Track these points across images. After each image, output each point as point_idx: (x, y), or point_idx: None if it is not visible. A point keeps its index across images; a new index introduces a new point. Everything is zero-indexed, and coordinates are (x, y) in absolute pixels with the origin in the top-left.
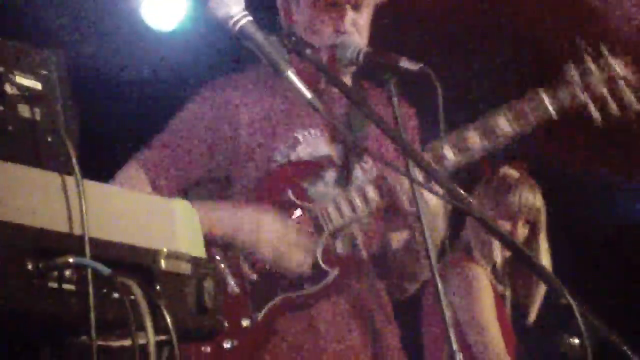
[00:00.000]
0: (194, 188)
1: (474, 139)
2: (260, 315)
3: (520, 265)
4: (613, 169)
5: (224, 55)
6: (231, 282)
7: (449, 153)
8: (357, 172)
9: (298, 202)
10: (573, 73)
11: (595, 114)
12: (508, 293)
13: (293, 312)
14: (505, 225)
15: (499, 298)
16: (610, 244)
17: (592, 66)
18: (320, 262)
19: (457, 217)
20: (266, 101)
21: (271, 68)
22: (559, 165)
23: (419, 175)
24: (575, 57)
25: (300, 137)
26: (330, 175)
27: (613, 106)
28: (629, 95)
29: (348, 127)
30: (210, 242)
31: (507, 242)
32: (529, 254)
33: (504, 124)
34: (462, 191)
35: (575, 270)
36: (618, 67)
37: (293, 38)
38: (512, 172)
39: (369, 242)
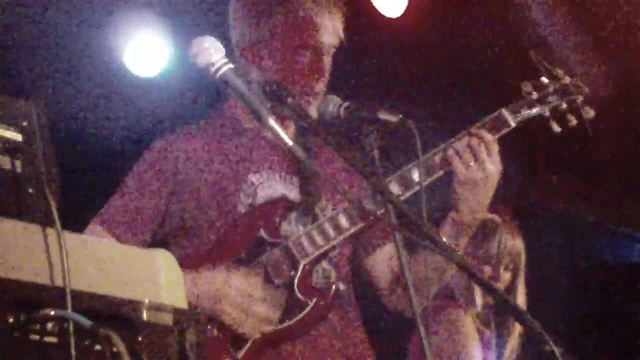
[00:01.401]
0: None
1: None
2: (241, 354)
3: (501, 310)
4: (596, 211)
5: (207, 101)
6: (211, 321)
7: (415, 175)
8: (317, 210)
9: (272, 239)
10: (529, 89)
11: (555, 126)
12: (493, 337)
13: (274, 348)
14: (486, 271)
15: (485, 343)
16: (593, 285)
17: (549, 82)
18: (298, 294)
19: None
20: (219, 147)
21: (252, 115)
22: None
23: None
24: (530, 75)
25: (255, 180)
26: (293, 215)
27: (571, 118)
28: (585, 108)
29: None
30: None
31: (489, 288)
32: (511, 301)
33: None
34: (444, 239)
35: (556, 313)
36: (573, 82)
37: (274, 85)
38: (494, 217)
39: (341, 273)
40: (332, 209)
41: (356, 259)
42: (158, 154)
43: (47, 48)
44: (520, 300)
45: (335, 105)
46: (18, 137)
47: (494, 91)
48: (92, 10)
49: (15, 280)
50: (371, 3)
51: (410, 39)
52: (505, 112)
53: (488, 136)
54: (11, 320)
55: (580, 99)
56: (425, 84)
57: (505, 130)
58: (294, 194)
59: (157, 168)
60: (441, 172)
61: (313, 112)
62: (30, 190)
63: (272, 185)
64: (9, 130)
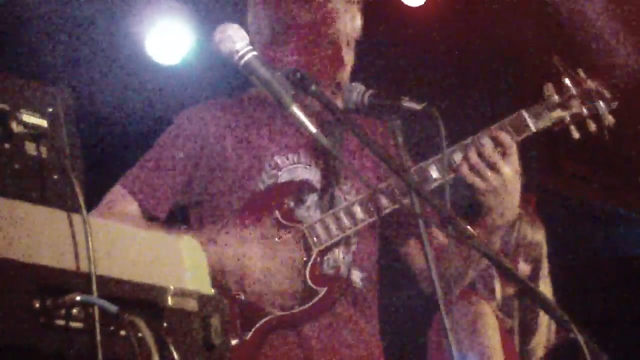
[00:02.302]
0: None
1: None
2: (248, 335)
3: (523, 298)
4: (618, 201)
5: (230, 88)
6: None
7: (434, 173)
8: (337, 195)
9: (286, 222)
10: (552, 92)
11: (574, 132)
12: (515, 326)
13: (282, 332)
14: (524, 267)
15: (506, 332)
16: (613, 275)
17: (570, 86)
18: (309, 281)
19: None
20: (246, 125)
21: (276, 102)
22: (563, 197)
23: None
24: (553, 78)
25: (279, 162)
26: (312, 199)
27: (591, 125)
28: (606, 114)
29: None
30: None
31: (513, 276)
32: (535, 289)
33: (487, 143)
34: (465, 225)
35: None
36: (594, 87)
37: (298, 73)
38: None
39: (360, 266)
40: (352, 196)
41: (391, 247)
42: (186, 123)
43: (70, 35)
44: (546, 291)
45: (359, 93)
46: (43, 123)
47: (514, 82)
48: None
49: (41, 266)
50: None
51: (431, 29)
52: (525, 114)
53: (507, 140)
54: (37, 305)
55: (601, 105)
56: (445, 75)
57: (525, 134)
58: (316, 180)
59: (184, 136)
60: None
61: (338, 103)
62: (56, 176)
63: (295, 169)
64: (34, 116)
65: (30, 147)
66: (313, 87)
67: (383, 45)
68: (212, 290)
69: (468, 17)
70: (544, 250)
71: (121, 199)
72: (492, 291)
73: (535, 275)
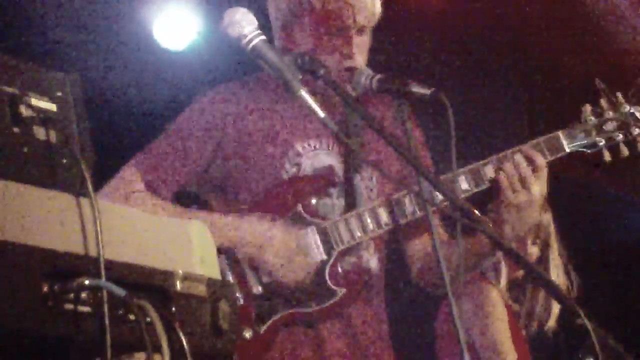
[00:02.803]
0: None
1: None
2: (263, 328)
3: (529, 282)
4: (627, 186)
5: (237, 73)
6: (237, 292)
7: (463, 184)
8: (358, 182)
9: (309, 217)
10: (589, 115)
11: (607, 155)
12: (523, 311)
13: (297, 328)
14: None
15: (513, 317)
16: (623, 261)
17: (607, 110)
18: (328, 281)
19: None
20: (268, 109)
21: (284, 86)
22: (572, 182)
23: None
24: (592, 99)
25: (300, 149)
26: (335, 190)
27: (624, 149)
28: (637, 138)
29: (345, 135)
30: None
31: (520, 260)
32: (543, 273)
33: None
34: (473, 209)
35: (588, 289)
36: (631, 112)
37: (307, 57)
38: None
39: (377, 247)
40: (375, 181)
41: (395, 237)
42: (207, 104)
43: (79, 21)
44: (556, 273)
45: (367, 77)
46: (52, 107)
47: (518, 73)
48: None
49: (50, 250)
50: None
51: (439, 18)
52: (561, 136)
53: (540, 161)
54: (45, 289)
55: (636, 131)
56: (452, 64)
57: (558, 155)
58: (338, 165)
59: (205, 118)
60: (488, 186)
61: (363, 74)
62: (64, 160)
63: (317, 155)
64: (43, 100)
65: (39, 132)
66: (322, 71)
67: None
68: (220, 275)
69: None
70: (552, 231)
71: (131, 180)
72: (499, 276)
73: (545, 257)
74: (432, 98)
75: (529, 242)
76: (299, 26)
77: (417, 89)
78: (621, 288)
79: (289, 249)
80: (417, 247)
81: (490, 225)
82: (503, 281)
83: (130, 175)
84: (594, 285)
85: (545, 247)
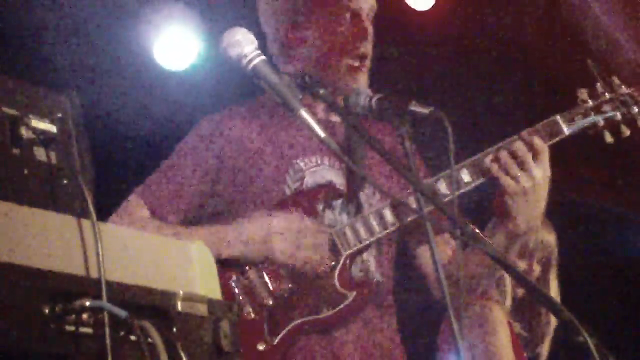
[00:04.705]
0: (198, 220)
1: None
2: (276, 340)
3: (533, 302)
4: (628, 204)
5: (238, 94)
6: (247, 306)
7: (465, 176)
8: (363, 200)
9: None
10: (586, 97)
11: (608, 136)
12: (524, 331)
13: (310, 337)
14: (521, 264)
15: (516, 336)
16: (623, 277)
17: (604, 92)
18: (338, 286)
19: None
20: (267, 130)
21: (284, 106)
22: (571, 199)
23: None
24: (587, 82)
25: (303, 165)
26: (338, 203)
27: (625, 129)
28: (637, 116)
29: (349, 155)
30: (223, 264)
31: (522, 279)
32: (544, 292)
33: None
34: (474, 227)
35: (588, 305)
36: (629, 92)
37: (307, 77)
38: None
39: (383, 266)
40: (377, 198)
41: (405, 248)
42: (206, 131)
43: (79, 41)
44: (554, 293)
45: (366, 97)
46: (53, 128)
47: (522, 86)
48: (122, 3)
49: (51, 271)
50: None
51: (439, 34)
52: (559, 119)
53: (539, 143)
54: (47, 311)
55: (635, 109)
56: (453, 80)
57: (558, 138)
58: (340, 181)
59: (204, 145)
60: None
61: (363, 79)
62: (65, 181)
63: (320, 171)
64: (43, 121)
65: (40, 153)
66: (322, 91)
67: (392, 50)
68: (221, 295)
69: (479, 19)
70: (555, 254)
71: (137, 209)
72: (504, 294)
73: (545, 277)
74: (432, 117)
75: (535, 261)
76: (307, 20)
77: (417, 108)
78: (621, 304)
79: (293, 231)
80: (428, 255)
81: (495, 237)
82: (508, 301)
83: (136, 205)
84: (594, 301)
85: (546, 265)
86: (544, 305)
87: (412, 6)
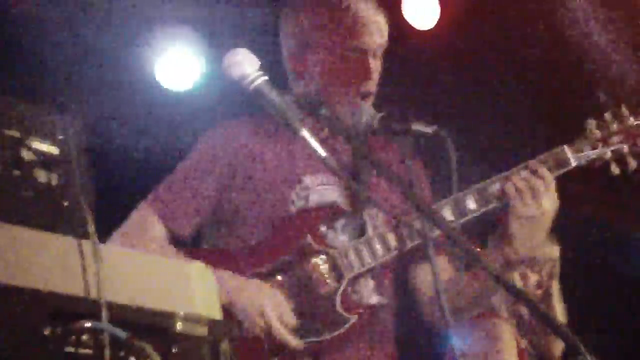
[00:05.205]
0: (206, 229)
1: (495, 187)
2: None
3: (535, 318)
4: (628, 221)
5: (240, 114)
6: (247, 324)
7: (471, 204)
8: (366, 220)
9: (319, 247)
10: (594, 128)
11: (614, 168)
12: (530, 347)
13: (311, 358)
14: (533, 277)
15: (523, 353)
16: (625, 297)
17: (613, 122)
18: (339, 308)
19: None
20: (276, 144)
21: (286, 127)
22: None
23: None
24: (596, 113)
25: (309, 183)
26: (341, 222)
27: (631, 161)
28: None
29: (354, 175)
30: None
31: (525, 299)
32: (546, 312)
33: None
34: (474, 246)
35: (591, 322)
36: (637, 124)
37: (309, 97)
38: None
39: (384, 287)
40: (381, 219)
41: (402, 269)
42: (214, 141)
43: (81, 62)
44: (558, 307)
45: (369, 115)
46: (54, 150)
47: (524, 107)
48: (124, 24)
49: (51, 292)
50: (402, 15)
51: (441, 53)
52: (567, 151)
53: (547, 175)
54: (47, 332)
55: None
56: (455, 99)
57: (565, 169)
58: (345, 201)
59: (212, 155)
60: (497, 204)
61: (365, 113)
62: (66, 203)
63: (324, 190)
64: (45, 143)
65: (41, 174)
66: (323, 111)
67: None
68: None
69: (480, 39)
70: (558, 267)
71: (147, 220)
72: (516, 310)
73: (548, 291)
74: (435, 136)
75: (544, 273)
76: (312, 51)
77: (419, 127)
78: (622, 322)
79: (282, 315)
80: (427, 278)
81: (492, 259)
82: (525, 312)
83: (147, 217)
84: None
85: (549, 280)
86: (547, 325)
87: (414, 26)
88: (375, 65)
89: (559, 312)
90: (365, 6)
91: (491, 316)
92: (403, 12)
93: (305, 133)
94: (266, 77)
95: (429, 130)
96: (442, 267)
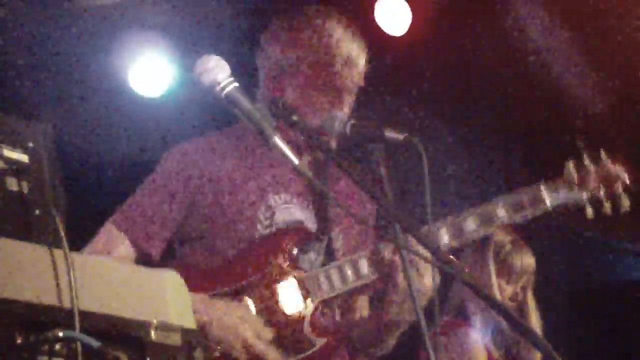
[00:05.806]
0: (174, 246)
1: (472, 225)
2: None
3: (511, 329)
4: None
5: (213, 120)
6: (224, 346)
7: (444, 236)
8: (333, 238)
9: (289, 269)
10: (572, 171)
11: (589, 212)
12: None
13: None
14: (509, 289)
15: None
16: (601, 304)
17: (591, 166)
18: (307, 330)
19: (443, 279)
20: (240, 161)
21: (258, 134)
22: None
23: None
24: (575, 156)
25: (273, 202)
26: (309, 244)
27: (607, 206)
28: (623, 198)
29: (324, 183)
30: None
31: (500, 309)
32: (522, 322)
33: (502, 213)
34: (449, 255)
35: (569, 331)
36: (614, 169)
37: (280, 104)
38: (505, 237)
39: (351, 311)
40: (346, 238)
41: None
42: (180, 158)
43: (52, 69)
44: (534, 317)
45: (341, 122)
46: (24, 158)
47: (497, 110)
48: (96, 31)
49: (23, 302)
50: (374, 21)
51: (414, 58)
52: (543, 189)
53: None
54: (19, 341)
55: (619, 188)
56: (429, 104)
57: (540, 210)
58: (310, 220)
59: (178, 172)
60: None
61: (337, 120)
62: (37, 211)
63: (290, 209)
64: (15, 151)
65: (12, 183)
66: (295, 118)
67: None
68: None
69: (451, 41)
70: (533, 277)
71: (113, 238)
72: (490, 320)
73: (524, 301)
74: (406, 143)
75: (520, 284)
76: (288, 79)
77: (391, 134)
78: (603, 331)
79: (257, 340)
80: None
81: (467, 271)
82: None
83: (113, 236)
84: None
85: (524, 290)
86: (523, 335)
87: (386, 31)
88: (350, 100)
89: (535, 322)
90: (350, 45)
91: (462, 325)
92: (375, 18)
93: (277, 140)
94: (237, 84)
95: (400, 137)
96: (361, 306)
